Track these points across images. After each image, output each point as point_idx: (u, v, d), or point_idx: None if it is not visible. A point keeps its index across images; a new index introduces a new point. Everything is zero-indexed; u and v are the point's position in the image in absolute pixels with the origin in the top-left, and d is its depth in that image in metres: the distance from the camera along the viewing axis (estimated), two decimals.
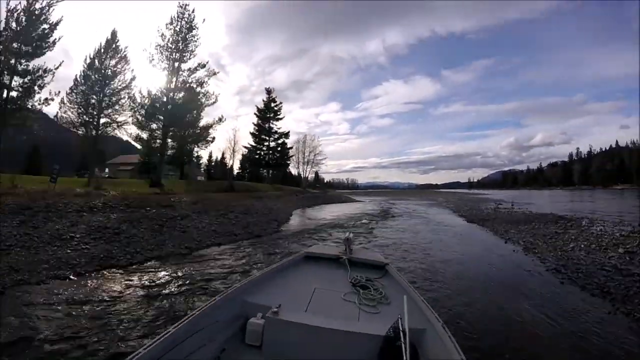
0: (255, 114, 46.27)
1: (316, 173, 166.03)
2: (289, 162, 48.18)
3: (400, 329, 1.81)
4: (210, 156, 67.82)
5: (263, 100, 46.94)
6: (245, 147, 44.34)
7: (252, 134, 45.57)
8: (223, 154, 52.18)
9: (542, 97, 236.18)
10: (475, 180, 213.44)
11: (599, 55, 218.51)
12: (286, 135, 46.41)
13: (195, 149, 32.53)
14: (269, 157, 45.65)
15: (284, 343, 2.03)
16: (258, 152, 45.75)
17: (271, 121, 46.05)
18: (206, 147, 30.65)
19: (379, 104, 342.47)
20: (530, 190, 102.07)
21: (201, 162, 60.10)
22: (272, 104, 46.67)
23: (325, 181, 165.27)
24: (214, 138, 28.71)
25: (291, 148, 47.89)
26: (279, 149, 46.08)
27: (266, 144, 45.84)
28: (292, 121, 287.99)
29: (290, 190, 35.80)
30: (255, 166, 49.11)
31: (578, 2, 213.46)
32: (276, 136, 46.09)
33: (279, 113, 46.77)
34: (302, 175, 53.94)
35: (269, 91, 47.61)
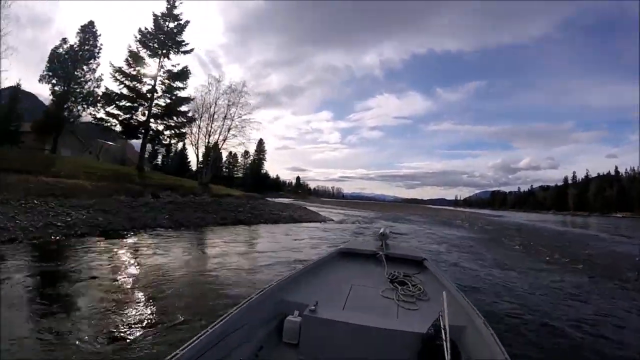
0: (136, 36, 23.77)
1: (297, 178, 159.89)
2: (185, 130, 25.69)
3: (441, 326, 1.66)
4: None
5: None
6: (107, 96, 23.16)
7: (118, 71, 23.17)
8: None
9: (530, 122, 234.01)
10: (462, 198, 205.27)
11: (587, 85, 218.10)
12: (182, 76, 24.19)
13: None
14: (148, 118, 24.00)
15: (321, 341, 1.90)
16: (129, 107, 23.46)
17: (165, 49, 24.09)
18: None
19: (371, 116, 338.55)
20: (528, 213, 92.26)
21: None
22: (171, 19, 24.60)
23: (309, 188, 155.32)
24: None
25: (191, 100, 25.53)
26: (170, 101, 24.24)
27: (145, 90, 23.82)
28: (282, 127, 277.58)
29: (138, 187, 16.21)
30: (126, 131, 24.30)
31: (569, 33, 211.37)
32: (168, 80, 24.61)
33: (180, 37, 24.53)
34: (202, 159, 28.07)
35: None
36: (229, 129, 27.81)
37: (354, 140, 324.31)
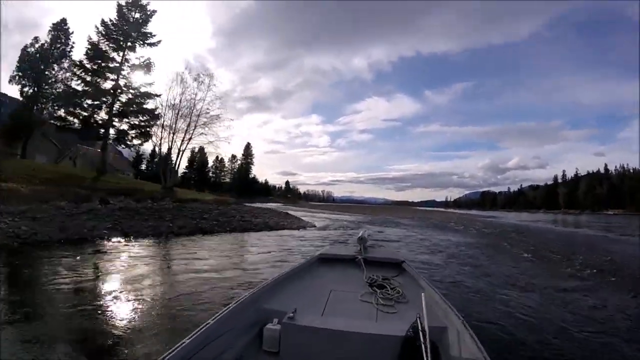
0: (97, 27, 21.42)
1: (287, 182, 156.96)
2: (151, 128, 23.14)
3: (420, 328, 1.64)
4: None
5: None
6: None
7: (77, 66, 21.33)
8: None
9: (519, 121, 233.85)
10: (452, 199, 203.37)
11: (576, 83, 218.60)
12: (146, 69, 22.17)
13: None
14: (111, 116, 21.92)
15: (301, 348, 1.90)
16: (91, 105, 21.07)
17: (130, 42, 22.05)
18: None
19: (360, 119, 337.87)
20: (519, 212, 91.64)
21: None
22: (136, 9, 22.46)
23: (299, 192, 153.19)
24: None
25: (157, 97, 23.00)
26: (137, 98, 22.12)
27: (108, 86, 21.71)
28: (271, 131, 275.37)
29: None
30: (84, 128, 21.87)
31: (560, 30, 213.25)
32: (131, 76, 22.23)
33: (146, 28, 22.38)
34: (172, 157, 24.47)
35: None
36: (195, 126, 24.43)
37: (343, 144, 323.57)
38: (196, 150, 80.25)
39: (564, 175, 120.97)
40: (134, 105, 21.73)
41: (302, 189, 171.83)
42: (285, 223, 16.75)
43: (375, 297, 2.54)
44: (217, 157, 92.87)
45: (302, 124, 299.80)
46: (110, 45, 21.68)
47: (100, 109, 21.42)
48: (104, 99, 21.26)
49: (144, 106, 22.04)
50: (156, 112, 22.34)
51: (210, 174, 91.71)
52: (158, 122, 22.66)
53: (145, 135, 22.56)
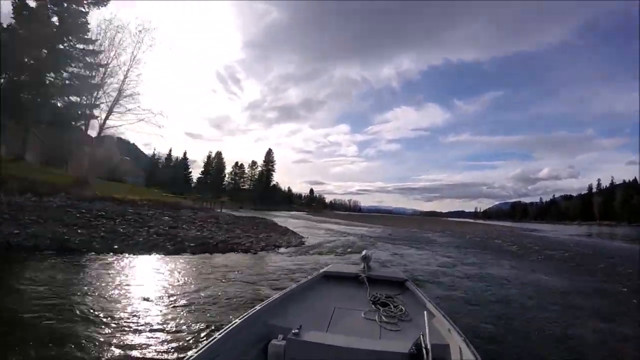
0: None
1: (311, 190, 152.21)
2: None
3: (423, 345, 1.68)
4: None
5: None
6: None
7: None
8: None
9: (550, 131, 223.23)
10: (481, 210, 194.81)
11: (608, 91, 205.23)
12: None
13: None
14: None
15: None
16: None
17: None
18: None
19: (389, 129, 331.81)
20: (553, 224, 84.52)
21: None
22: None
23: (324, 201, 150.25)
24: None
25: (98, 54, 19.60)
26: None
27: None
28: (300, 140, 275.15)
29: None
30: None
31: (590, 39, 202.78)
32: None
33: None
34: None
35: None
36: (120, 94, 19.24)
37: (371, 153, 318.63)
38: (212, 155, 78.46)
39: (598, 185, 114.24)
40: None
41: (329, 198, 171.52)
42: (244, 241, 11.16)
43: (378, 314, 2.55)
44: (236, 163, 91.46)
45: (331, 133, 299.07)
46: None
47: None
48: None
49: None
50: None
51: (229, 181, 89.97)
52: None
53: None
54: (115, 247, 8.32)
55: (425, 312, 2.06)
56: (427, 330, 1.73)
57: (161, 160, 76.30)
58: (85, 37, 19.54)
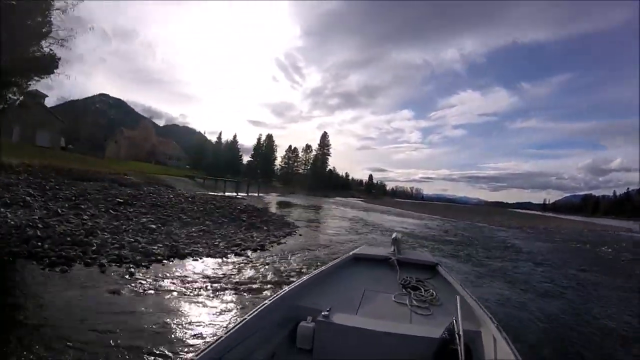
0: None
1: (370, 176, 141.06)
2: None
3: (455, 331, 1.60)
4: None
5: None
6: None
7: None
8: None
9: (623, 118, 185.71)
10: (550, 202, 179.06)
11: None
12: None
13: None
14: None
15: (335, 347, 1.88)
16: None
17: None
18: None
19: (454, 114, 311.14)
20: (636, 220, 68.08)
21: None
22: None
23: (384, 188, 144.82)
24: None
25: None
26: None
27: None
28: (362, 127, 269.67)
29: None
30: None
31: None
32: None
33: None
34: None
35: None
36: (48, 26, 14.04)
37: (435, 140, 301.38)
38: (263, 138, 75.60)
39: None
40: None
41: (391, 185, 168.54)
42: (203, 242, 7.70)
43: (409, 298, 2.49)
44: (289, 146, 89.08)
45: (394, 119, 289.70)
46: None
47: None
48: None
49: None
50: None
51: (282, 164, 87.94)
52: None
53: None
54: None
55: (457, 297, 1.98)
56: (459, 315, 1.67)
57: (215, 144, 76.94)
58: None
